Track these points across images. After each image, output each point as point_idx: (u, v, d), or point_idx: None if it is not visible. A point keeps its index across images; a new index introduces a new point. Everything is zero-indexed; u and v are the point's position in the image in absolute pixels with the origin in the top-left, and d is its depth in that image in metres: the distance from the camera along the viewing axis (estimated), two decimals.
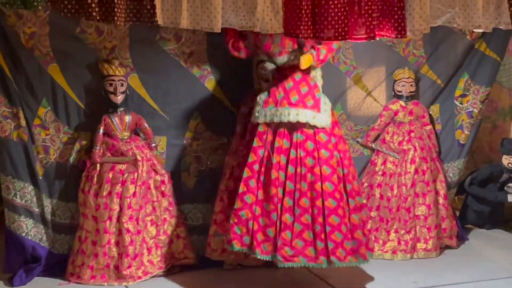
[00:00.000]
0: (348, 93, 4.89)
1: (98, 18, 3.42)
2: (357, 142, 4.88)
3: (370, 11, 3.69)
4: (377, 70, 4.91)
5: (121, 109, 4.28)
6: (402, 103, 4.74)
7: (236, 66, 4.55)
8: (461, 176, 5.15)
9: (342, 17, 3.65)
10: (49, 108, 4.29)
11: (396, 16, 3.72)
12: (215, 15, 3.55)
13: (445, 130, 5.00)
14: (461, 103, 5.01)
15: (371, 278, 4.38)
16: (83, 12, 3.41)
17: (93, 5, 3.39)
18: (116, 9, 3.41)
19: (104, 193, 4.22)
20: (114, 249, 4.25)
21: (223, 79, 4.66)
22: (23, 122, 4.25)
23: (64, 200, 4.39)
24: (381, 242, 4.70)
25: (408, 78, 4.70)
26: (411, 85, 4.70)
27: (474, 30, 4.76)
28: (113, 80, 4.23)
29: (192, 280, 4.34)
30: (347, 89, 4.85)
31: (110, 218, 4.20)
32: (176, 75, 4.53)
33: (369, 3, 3.68)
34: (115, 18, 3.42)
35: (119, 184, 4.25)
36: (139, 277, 4.30)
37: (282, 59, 4.07)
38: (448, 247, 4.75)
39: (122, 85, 4.25)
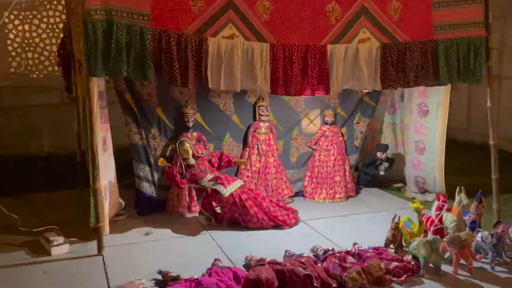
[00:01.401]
0: (301, 122, 5.39)
1: (179, 84, 3.86)
2: (306, 145, 5.37)
3: (312, 81, 4.18)
4: (315, 110, 5.39)
5: (191, 129, 4.89)
6: (328, 126, 5.34)
7: (246, 109, 5.16)
8: (357, 162, 5.72)
9: (299, 84, 4.14)
10: (157, 129, 4.88)
11: (325, 84, 4.23)
12: (237, 83, 4.02)
13: (349, 140, 5.52)
14: (357, 127, 5.55)
15: (315, 211, 4.95)
16: (172, 81, 3.84)
17: (178, 78, 3.82)
18: (189, 80, 3.86)
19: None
20: (188, 198, 4.87)
21: (240, 115, 5.17)
22: (144, 136, 4.85)
23: (163, 173, 4.79)
24: (318, 194, 5.28)
25: (331, 114, 5.32)
26: (332, 117, 5.31)
27: (363, 91, 5.35)
28: (187, 115, 4.87)
29: None
30: (301, 119, 5.38)
31: (186, 182, 4.71)
32: (217, 113, 5.05)
33: (312, 76, 4.16)
34: (188, 84, 3.87)
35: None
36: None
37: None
38: (351, 196, 5.39)
39: (192, 118, 4.87)
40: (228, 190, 4.52)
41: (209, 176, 4.63)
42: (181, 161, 4.75)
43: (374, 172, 5.65)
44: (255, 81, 4.11)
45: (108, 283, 3.52)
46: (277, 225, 4.50)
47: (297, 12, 4.12)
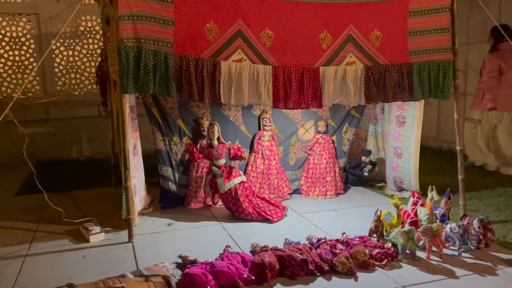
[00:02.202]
0: (298, 131, 5.32)
1: (197, 99, 3.85)
2: (303, 151, 5.33)
3: (308, 97, 4.15)
4: (310, 121, 5.31)
5: (206, 137, 4.84)
6: (321, 134, 5.26)
7: (252, 120, 5.12)
8: (345, 164, 5.62)
9: (296, 99, 4.13)
10: (178, 136, 4.83)
11: (318, 99, 4.21)
12: (245, 98, 4.01)
13: (338, 146, 5.47)
14: (344, 135, 5.51)
15: (310, 205, 4.96)
16: (191, 97, 3.84)
17: (195, 95, 3.84)
18: (204, 96, 3.86)
19: (199, 170, 4.83)
20: (203, 194, 4.81)
21: (247, 125, 5.12)
22: (167, 143, 4.84)
23: (183, 174, 4.91)
24: (312, 191, 5.25)
25: (323, 124, 5.25)
26: (324, 127, 5.26)
27: (350, 105, 5.27)
28: (203, 125, 4.85)
29: None
30: (298, 129, 5.32)
31: (201, 181, 4.81)
32: (228, 123, 4.98)
33: (307, 93, 4.14)
34: (204, 99, 3.87)
35: (206, 167, 4.81)
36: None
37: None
38: (340, 194, 5.28)
39: (207, 127, 4.82)
40: (225, 187, 4.56)
41: (222, 161, 4.66)
42: (207, 141, 4.77)
43: (359, 173, 5.60)
44: (259, 97, 4.09)
45: (137, 266, 3.54)
46: (265, 219, 4.49)
47: (294, 40, 4.14)
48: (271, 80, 4.13)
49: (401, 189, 5.42)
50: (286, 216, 4.64)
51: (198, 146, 4.95)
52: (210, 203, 4.94)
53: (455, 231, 3.68)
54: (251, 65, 4.08)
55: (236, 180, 4.59)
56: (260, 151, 5.13)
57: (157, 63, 3.79)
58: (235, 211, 4.58)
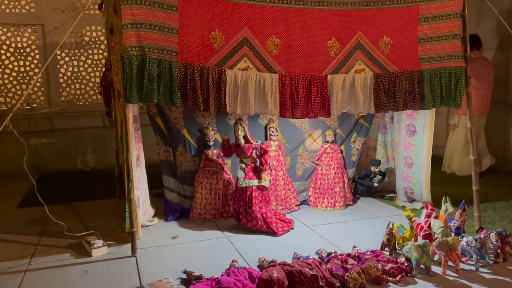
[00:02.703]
0: (306, 141, 5.21)
1: (202, 108, 3.79)
2: (310, 161, 5.22)
3: (315, 105, 4.08)
4: (318, 131, 5.20)
5: (212, 147, 4.80)
6: (329, 144, 5.14)
7: (259, 130, 5.00)
8: (354, 175, 5.49)
9: (303, 108, 4.03)
10: (182, 147, 4.74)
11: (326, 108, 4.12)
12: (251, 108, 3.94)
13: (347, 156, 5.35)
14: (353, 145, 5.38)
15: (318, 217, 4.83)
16: (196, 106, 3.78)
17: (200, 104, 3.77)
18: (210, 105, 3.80)
19: (205, 181, 4.75)
20: (208, 206, 4.74)
21: (253, 135, 4.72)
22: (171, 153, 4.79)
23: (188, 185, 4.81)
24: (321, 203, 5.11)
25: (331, 134, 5.12)
26: (332, 137, 5.13)
27: (359, 114, 5.13)
28: (209, 135, 4.77)
29: None
30: (305, 139, 5.20)
31: (207, 193, 4.73)
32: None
33: (315, 102, 4.05)
34: (210, 108, 3.81)
35: (211, 178, 4.76)
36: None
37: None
38: (349, 205, 5.16)
39: (212, 138, 4.78)
40: (243, 183, 4.45)
41: (249, 160, 4.51)
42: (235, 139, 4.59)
43: (369, 183, 5.47)
44: (266, 106, 4.01)
45: (140, 281, 3.42)
46: (270, 230, 4.36)
47: (302, 48, 4.05)
48: (278, 88, 4.04)
49: (412, 200, 5.27)
50: (292, 229, 4.50)
51: (204, 156, 4.84)
52: (216, 215, 4.83)
53: (472, 245, 3.52)
54: (258, 73, 3.99)
55: (254, 182, 4.45)
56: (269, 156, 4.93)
57: (161, 72, 3.70)
58: (242, 218, 4.44)
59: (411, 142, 5.14)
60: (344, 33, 4.09)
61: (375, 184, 5.45)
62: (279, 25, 3.93)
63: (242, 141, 4.56)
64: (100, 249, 3.93)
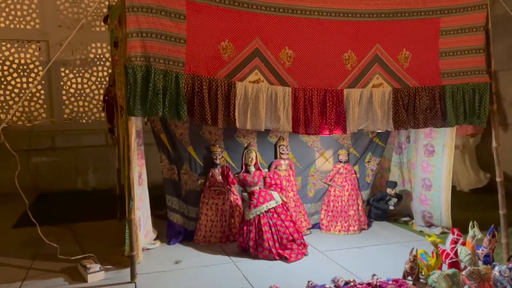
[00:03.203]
0: (317, 160, 4.98)
1: (210, 123, 3.60)
2: (322, 181, 4.98)
3: (331, 121, 3.89)
4: (329, 149, 5.00)
5: (219, 165, 4.57)
6: (342, 164, 4.90)
7: (268, 148, 4.81)
8: (368, 197, 5.23)
9: (318, 124, 3.86)
10: (188, 165, 4.55)
11: (342, 124, 3.92)
12: (262, 123, 3.74)
13: (361, 177, 5.10)
14: (368, 165, 5.14)
15: (332, 242, 4.55)
16: (203, 120, 3.58)
17: (208, 118, 3.58)
18: (218, 119, 3.61)
19: (210, 202, 4.54)
20: (214, 228, 4.48)
21: (263, 153, 4.73)
22: (176, 172, 4.57)
23: (193, 206, 4.61)
24: (334, 226, 4.82)
25: (344, 153, 4.90)
26: (346, 156, 4.90)
27: (376, 131, 4.92)
28: (215, 153, 4.56)
29: None
30: (316, 158, 4.98)
31: (213, 214, 4.49)
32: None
33: (330, 117, 3.87)
34: (218, 123, 3.60)
35: (218, 198, 4.55)
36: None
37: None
38: (364, 229, 4.89)
39: (219, 155, 4.57)
40: (251, 214, 4.16)
41: (256, 188, 4.28)
42: (244, 166, 4.40)
43: (384, 206, 5.15)
44: (278, 121, 3.80)
45: None
46: (282, 257, 4.07)
47: (316, 60, 3.86)
48: (290, 103, 3.82)
49: (430, 225, 4.95)
50: (306, 255, 4.18)
51: (210, 175, 4.58)
52: (223, 238, 4.57)
53: (506, 275, 3.19)
54: (269, 86, 3.78)
55: (262, 208, 4.18)
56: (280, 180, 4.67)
57: (167, 84, 3.50)
58: (251, 247, 4.13)
59: (429, 163, 4.87)
60: (361, 46, 3.90)
61: (391, 207, 5.15)
62: (293, 36, 3.76)
63: (253, 169, 4.34)
64: (96, 274, 3.65)
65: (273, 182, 4.33)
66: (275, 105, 3.76)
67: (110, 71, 7.28)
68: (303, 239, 4.31)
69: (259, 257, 4.09)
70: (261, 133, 4.72)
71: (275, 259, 4.04)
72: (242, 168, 4.41)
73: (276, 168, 4.77)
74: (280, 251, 4.06)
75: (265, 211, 4.18)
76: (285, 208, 4.28)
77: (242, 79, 3.68)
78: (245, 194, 4.26)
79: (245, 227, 4.20)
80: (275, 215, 4.19)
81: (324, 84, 3.87)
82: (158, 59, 3.47)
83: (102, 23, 6.88)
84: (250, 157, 4.30)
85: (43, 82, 7.33)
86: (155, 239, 4.51)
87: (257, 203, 4.17)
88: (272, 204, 4.20)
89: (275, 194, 4.27)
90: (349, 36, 3.85)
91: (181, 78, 3.52)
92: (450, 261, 3.53)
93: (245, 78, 3.69)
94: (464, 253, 3.59)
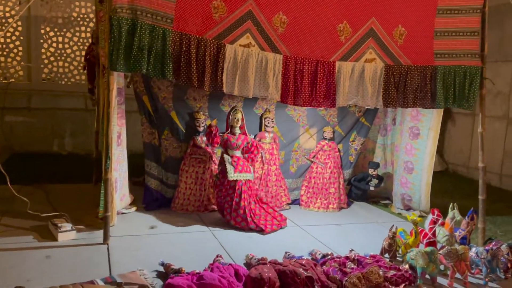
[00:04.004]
0: (301, 136, 4.93)
1: (196, 85, 3.44)
2: (306, 157, 4.93)
3: (320, 94, 3.79)
4: (315, 126, 4.94)
5: (202, 134, 4.45)
6: (327, 141, 4.88)
7: (253, 120, 4.67)
8: (350, 176, 5.21)
9: (307, 96, 3.77)
10: (169, 131, 4.44)
11: (331, 98, 3.84)
12: (250, 89, 3.62)
13: (344, 155, 5.06)
14: (352, 144, 5.11)
15: (311, 218, 4.52)
16: (189, 82, 3.41)
17: (194, 79, 3.42)
18: (205, 82, 3.46)
19: (191, 170, 4.42)
20: (193, 197, 4.39)
21: (247, 125, 4.40)
22: (156, 136, 4.45)
23: (172, 173, 4.49)
24: (313, 203, 4.79)
25: (330, 130, 4.86)
26: (331, 134, 4.87)
27: (359, 113, 4.99)
28: (199, 120, 4.44)
29: None
30: (301, 134, 4.92)
31: (192, 182, 4.41)
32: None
33: (320, 90, 3.78)
34: (204, 86, 3.46)
35: (198, 167, 4.43)
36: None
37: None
38: (343, 208, 4.87)
39: (203, 123, 4.45)
40: (234, 176, 4.05)
41: (237, 153, 4.17)
42: (229, 128, 4.26)
43: (365, 187, 5.12)
44: (267, 89, 3.69)
45: (110, 271, 3.01)
46: (258, 229, 4.00)
47: (310, 28, 3.73)
48: (280, 71, 3.71)
49: (408, 208, 4.95)
50: (282, 229, 4.13)
51: (192, 143, 4.46)
52: (201, 207, 4.45)
53: (483, 256, 3.20)
54: (260, 52, 3.66)
55: (247, 175, 4.11)
56: (260, 154, 4.63)
57: (154, 40, 3.33)
58: (226, 214, 4.06)
59: (413, 146, 4.84)
60: (357, 18, 3.79)
61: (371, 188, 5.13)
62: (288, 1, 3.61)
63: (238, 131, 4.21)
64: (67, 233, 3.51)
65: (253, 149, 4.25)
66: (265, 72, 3.65)
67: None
68: (280, 214, 4.28)
69: (231, 223, 4.04)
70: (247, 104, 4.61)
71: (250, 229, 3.99)
72: (227, 129, 4.27)
73: (260, 140, 4.68)
74: (255, 221, 4.00)
75: (246, 180, 4.10)
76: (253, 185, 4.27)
77: (233, 42, 3.55)
78: (227, 156, 4.15)
79: (223, 188, 4.11)
80: (249, 190, 4.15)
81: (316, 54, 3.76)
82: (145, 13, 3.29)
83: None
84: (236, 118, 4.17)
85: (21, 38, 6.98)
86: (130, 204, 4.37)
87: (245, 169, 4.11)
88: (248, 176, 4.13)
89: (252, 169, 4.22)
90: (345, 6, 3.73)
91: (168, 35, 3.36)
92: (427, 240, 3.53)
93: (235, 41, 3.56)
94: (442, 234, 3.60)
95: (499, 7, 6.02)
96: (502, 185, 6.49)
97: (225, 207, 4.08)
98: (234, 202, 4.01)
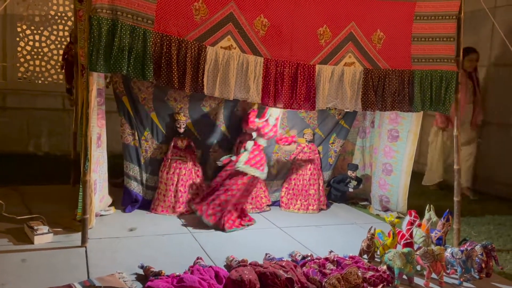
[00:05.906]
0: None
1: (176, 86, 3.43)
2: (285, 159, 4.97)
3: (300, 96, 3.82)
4: (295, 128, 4.97)
5: (182, 135, 4.47)
6: (306, 143, 4.92)
7: (235, 121, 4.70)
8: (329, 178, 5.27)
9: (288, 98, 3.79)
10: (149, 132, 4.43)
11: (311, 100, 3.87)
12: (231, 91, 3.61)
13: (323, 157, 5.12)
14: (331, 146, 5.16)
15: (290, 219, 4.55)
16: (169, 83, 3.41)
17: (175, 81, 3.40)
18: (185, 84, 3.44)
19: (171, 171, 4.41)
20: (173, 199, 4.37)
21: (228, 126, 4.71)
22: (136, 137, 4.41)
23: (152, 174, 4.49)
24: (293, 204, 4.83)
25: (310, 133, 4.90)
26: (311, 136, 4.91)
27: (339, 116, 5.06)
28: (179, 121, 4.43)
29: None
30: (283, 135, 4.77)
31: (172, 184, 4.37)
32: (207, 122, 4.61)
33: (300, 92, 3.80)
34: (185, 87, 3.44)
35: (178, 168, 4.41)
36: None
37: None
38: (322, 209, 4.91)
39: (183, 124, 4.44)
40: (242, 167, 4.15)
41: (263, 142, 4.37)
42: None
43: (344, 188, 5.19)
44: (247, 91, 3.68)
45: (88, 274, 2.97)
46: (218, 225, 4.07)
47: (291, 32, 3.75)
48: (261, 73, 3.71)
49: (386, 209, 5.03)
50: (241, 229, 4.12)
51: (172, 144, 4.44)
52: (181, 209, 4.40)
53: (458, 257, 3.28)
54: (241, 54, 3.66)
55: (251, 170, 4.20)
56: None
57: (134, 41, 3.29)
58: (200, 202, 4.15)
59: (392, 148, 4.92)
60: (337, 22, 3.83)
61: (350, 190, 5.19)
62: (269, 4, 3.62)
63: (274, 121, 4.39)
64: (44, 236, 3.45)
65: (281, 139, 4.63)
66: (246, 74, 3.65)
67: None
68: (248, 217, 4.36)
69: (198, 214, 4.10)
70: (227, 106, 4.62)
71: (210, 221, 4.05)
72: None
73: (241, 142, 4.66)
74: (221, 218, 4.06)
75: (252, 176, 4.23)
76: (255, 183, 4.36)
77: (214, 44, 3.55)
78: (251, 143, 4.27)
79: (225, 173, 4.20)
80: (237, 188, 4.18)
81: (296, 57, 3.79)
82: (126, 14, 3.27)
83: None
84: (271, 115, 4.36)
85: None
86: (109, 206, 4.33)
87: (259, 165, 4.22)
88: (257, 173, 4.17)
89: (266, 168, 4.30)
90: (325, 10, 3.77)
91: (149, 36, 3.34)
92: (405, 241, 3.61)
93: (216, 43, 3.55)
94: (418, 235, 3.67)
95: (474, 13, 6.19)
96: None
97: (215, 187, 4.17)
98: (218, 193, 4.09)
